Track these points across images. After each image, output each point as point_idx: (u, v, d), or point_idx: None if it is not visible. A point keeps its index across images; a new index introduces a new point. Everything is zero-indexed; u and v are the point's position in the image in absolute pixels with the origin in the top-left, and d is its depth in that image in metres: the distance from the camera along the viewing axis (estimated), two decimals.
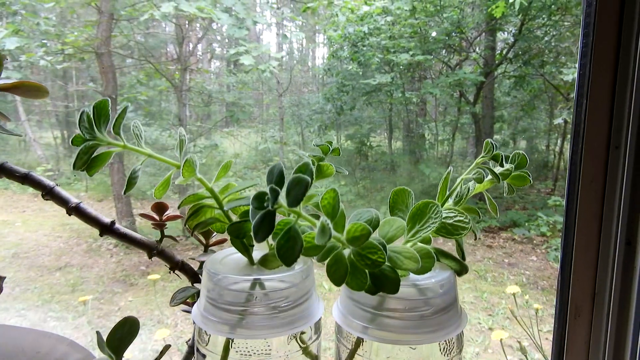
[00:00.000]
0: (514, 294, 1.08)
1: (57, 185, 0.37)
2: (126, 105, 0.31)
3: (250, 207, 0.27)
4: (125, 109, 0.31)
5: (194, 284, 0.40)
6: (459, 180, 0.38)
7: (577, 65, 0.44)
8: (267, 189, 0.27)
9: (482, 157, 0.38)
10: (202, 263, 0.41)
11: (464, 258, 0.35)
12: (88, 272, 3.43)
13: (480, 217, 0.37)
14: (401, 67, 4.38)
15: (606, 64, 0.42)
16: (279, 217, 0.29)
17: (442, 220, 0.34)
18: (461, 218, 0.34)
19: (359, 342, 0.33)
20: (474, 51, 4.54)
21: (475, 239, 0.37)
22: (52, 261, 3.50)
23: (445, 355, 0.32)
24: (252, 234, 0.27)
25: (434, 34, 4.41)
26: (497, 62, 4.38)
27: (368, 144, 5.02)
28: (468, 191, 0.37)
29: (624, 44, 0.41)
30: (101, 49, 3.67)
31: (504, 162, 0.37)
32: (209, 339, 0.33)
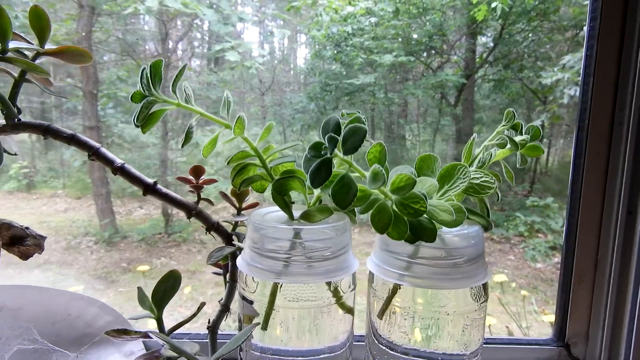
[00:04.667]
0: (501, 282, 1.12)
1: (102, 146, 0.38)
2: (185, 65, 0.33)
3: (306, 156, 0.29)
4: (184, 67, 0.33)
5: (228, 245, 0.42)
6: (482, 146, 0.40)
7: (584, 46, 0.48)
8: (323, 139, 0.29)
9: (503, 125, 0.41)
10: (235, 224, 0.43)
11: (489, 215, 0.38)
12: (68, 269, 3.35)
13: (500, 182, 0.40)
14: (384, 67, 4.44)
15: (611, 44, 0.46)
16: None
17: (470, 180, 0.37)
18: (487, 179, 0.37)
19: (395, 289, 0.35)
20: (455, 54, 4.64)
21: (498, 200, 0.39)
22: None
23: (476, 300, 0.35)
24: (308, 181, 0.29)
25: (416, 36, 4.48)
26: (477, 65, 4.48)
27: None
28: (490, 157, 0.40)
29: (629, 24, 0.45)
30: (82, 44, 3.60)
31: (523, 131, 0.41)
32: (256, 286, 0.35)
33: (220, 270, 0.44)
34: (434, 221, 0.33)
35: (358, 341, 0.45)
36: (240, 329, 0.36)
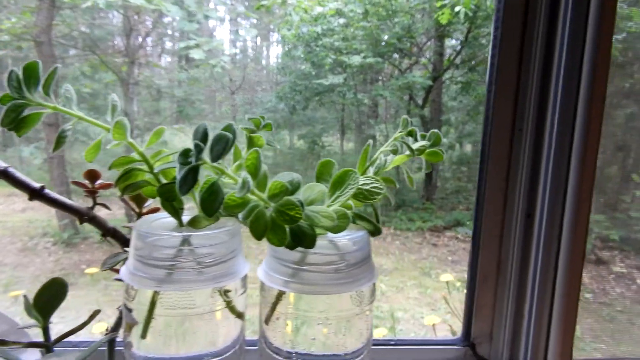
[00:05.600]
0: (447, 282, 1.14)
1: None
2: (56, 66, 0.32)
3: (177, 163, 0.29)
4: (56, 69, 0.32)
5: (124, 251, 0.41)
6: (378, 152, 0.41)
7: (489, 54, 0.49)
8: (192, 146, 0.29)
9: (400, 132, 0.41)
10: None
11: (378, 221, 0.38)
12: (23, 271, 3.24)
13: (396, 187, 0.41)
14: (353, 68, 4.47)
15: (511, 54, 0.47)
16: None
17: (360, 186, 0.37)
18: (377, 185, 0.37)
19: (280, 295, 0.35)
20: (423, 56, 4.71)
21: (391, 204, 0.40)
22: None
23: (356, 305, 0.35)
24: (177, 187, 0.29)
25: (385, 37, 4.53)
26: (445, 67, 4.57)
27: (320, 144, 5.08)
28: (385, 162, 0.40)
29: (528, 35, 0.46)
30: (41, 37, 3.48)
31: (418, 138, 0.41)
32: (135, 294, 0.34)
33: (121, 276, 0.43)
34: (315, 227, 0.33)
35: (253, 345, 0.45)
36: (123, 337, 0.36)
